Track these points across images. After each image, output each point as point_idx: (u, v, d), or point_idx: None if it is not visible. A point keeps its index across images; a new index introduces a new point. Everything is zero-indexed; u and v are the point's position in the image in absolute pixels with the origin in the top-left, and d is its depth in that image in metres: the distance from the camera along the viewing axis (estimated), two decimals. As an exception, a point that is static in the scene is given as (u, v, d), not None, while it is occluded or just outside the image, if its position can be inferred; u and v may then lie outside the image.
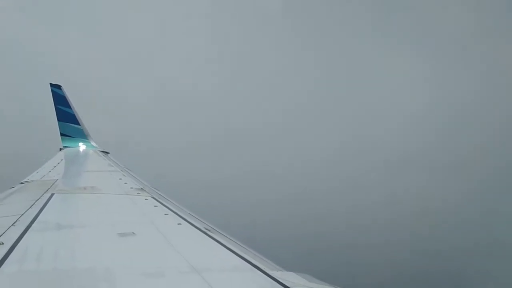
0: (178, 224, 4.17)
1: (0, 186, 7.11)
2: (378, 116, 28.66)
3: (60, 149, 12.69)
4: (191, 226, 4.08)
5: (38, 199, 5.14)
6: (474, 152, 25.54)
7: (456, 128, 26.50)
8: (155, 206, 5.04)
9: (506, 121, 25.73)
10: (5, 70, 25.28)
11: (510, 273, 19.78)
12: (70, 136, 13.17)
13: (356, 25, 29.70)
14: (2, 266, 2.78)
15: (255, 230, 20.82)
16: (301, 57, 29.98)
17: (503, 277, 19.31)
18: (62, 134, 13.15)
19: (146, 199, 5.44)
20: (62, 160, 10.49)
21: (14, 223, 3.92)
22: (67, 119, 13.21)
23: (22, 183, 7.17)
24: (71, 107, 13.27)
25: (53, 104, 13.14)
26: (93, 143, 13.33)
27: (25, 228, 3.71)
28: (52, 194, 5.47)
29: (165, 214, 4.62)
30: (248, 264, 2.97)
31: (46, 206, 4.76)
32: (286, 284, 2.64)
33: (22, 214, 4.30)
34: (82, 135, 13.33)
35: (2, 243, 3.24)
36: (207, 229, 3.99)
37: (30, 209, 4.59)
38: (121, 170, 8.60)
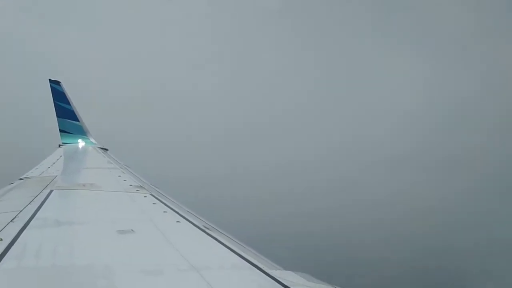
0: (177, 221, 4.17)
1: (-1, 182, 7.10)
2: (378, 115, 28.70)
3: (59, 145, 12.66)
4: (190, 224, 4.08)
5: (37, 196, 5.13)
6: (475, 151, 25.60)
7: (457, 126, 26.51)
8: (154, 203, 5.04)
9: (506, 120, 25.75)
10: (4, 66, 25.26)
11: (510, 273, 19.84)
12: (69, 133, 13.14)
13: (358, 25, 29.73)
14: (1, 262, 2.78)
15: (254, 228, 20.86)
16: (303, 57, 29.99)
17: (504, 277, 19.36)
18: (61, 131, 13.12)
19: (145, 196, 5.44)
20: (61, 156, 10.47)
21: (13, 219, 3.92)
22: (66, 116, 13.17)
23: (21, 179, 7.16)
24: (70, 103, 13.24)
25: (52, 100, 13.11)
26: (92, 140, 13.31)
27: (24, 225, 3.71)
28: (51, 191, 5.47)
29: (164, 211, 4.62)
30: (247, 263, 2.98)
31: (45, 203, 4.75)
32: (285, 283, 2.64)
33: (21, 211, 4.30)
34: (81, 132, 13.30)
35: (1, 239, 3.24)
36: (206, 227, 3.99)
37: (29, 205, 4.58)
38: (120, 167, 8.59)
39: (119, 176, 7.27)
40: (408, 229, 23.13)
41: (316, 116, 28.80)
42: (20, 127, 23.95)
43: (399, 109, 29.06)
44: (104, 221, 4.12)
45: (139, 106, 27.82)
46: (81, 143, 13.01)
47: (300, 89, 29.36)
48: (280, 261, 3.24)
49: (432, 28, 28.13)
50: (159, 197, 5.37)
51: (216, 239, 3.57)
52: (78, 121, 13.31)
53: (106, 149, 12.30)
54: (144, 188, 6.04)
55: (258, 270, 2.83)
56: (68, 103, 13.19)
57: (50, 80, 13.12)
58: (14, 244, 3.16)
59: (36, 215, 4.11)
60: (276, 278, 2.71)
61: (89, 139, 13.26)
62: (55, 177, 6.81)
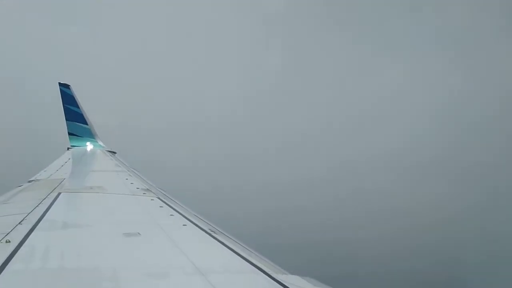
0: (184, 225, 4.17)
1: (8, 185, 7.18)
2: (386, 121, 28.52)
3: (68, 148, 12.78)
4: (196, 227, 4.08)
5: (45, 198, 5.17)
6: (483, 155, 25.36)
7: (470, 132, 26.24)
8: (160, 206, 5.05)
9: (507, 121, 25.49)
10: (15, 70, 25.59)
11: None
12: (78, 136, 13.26)
13: (364, 27, 29.64)
14: (9, 264, 2.80)
15: (263, 233, 20.84)
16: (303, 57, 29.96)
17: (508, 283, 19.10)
18: (70, 134, 13.24)
19: (152, 199, 5.45)
20: (69, 159, 10.56)
21: (21, 221, 3.95)
22: (75, 119, 13.30)
23: (29, 181, 7.23)
24: (79, 106, 13.37)
25: (62, 103, 13.25)
26: (101, 143, 13.40)
27: (32, 227, 3.74)
28: (59, 193, 5.51)
29: (171, 215, 4.62)
30: (253, 267, 2.97)
31: (53, 205, 4.79)
32: (291, 287, 2.62)
33: (29, 213, 4.33)
34: (90, 135, 13.41)
35: (9, 241, 3.27)
36: (212, 231, 3.99)
37: (37, 207, 4.62)
38: (128, 170, 8.63)
39: (126, 179, 7.31)
40: (418, 236, 22.94)
41: (325, 125, 28.69)
42: (29, 130, 24.23)
43: (406, 112, 28.88)
44: (111, 224, 4.14)
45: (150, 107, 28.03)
46: (89, 146, 13.11)
47: (312, 91, 29.33)
48: (286, 265, 3.22)
49: (449, 32, 27.90)
50: (166, 200, 5.38)
51: (222, 242, 3.57)
52: (87, 124, 13.43)
53: (114, 152, 12.38)
54: (151, 191, 6.06)
55: (263, 274, 2.82)
56: (77, 106, 13.32)
57: (59, 83, 13.27)
58: (22, 246, 3.18)
59: (44, 218, 4.14)
60: (282, 282, 2.69)
61: (97, 142, 13.37)
62: (63, 180, 6.86)
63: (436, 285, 20.94)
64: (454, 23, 27.91)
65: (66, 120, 13.26)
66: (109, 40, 29.54)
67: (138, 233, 3.63)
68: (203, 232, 3.90)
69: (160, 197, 5.56)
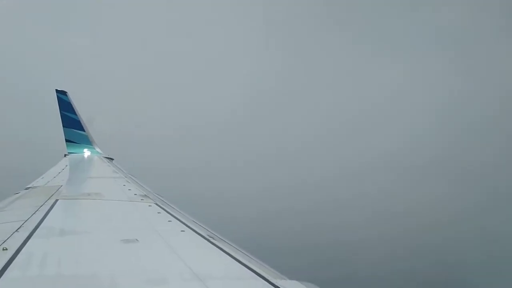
0: (182, 231, 4.15)
1: (5, 192, 7.15)
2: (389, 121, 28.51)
3: (65, 155, 12.74)
4: (195, 233, 4.07)
5: (42, 205, 5.15)
6: (487, 157, 25.42)
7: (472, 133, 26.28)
8: (158, 212, 5.04)
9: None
10: (11, 74, 25.56)
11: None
12: (75, 142, 13.23)
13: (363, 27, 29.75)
14: (6, 272, 2.78)
15: (264, 237, 20.81)
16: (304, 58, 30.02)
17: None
18: (67, 140, 13.21)
19: (149, 205, 5.43)
20: (66, 166, 10.53)
21: (18, 229, 3.93)
22: (72, 125, 13.28)
23: (26, 188, 7.19)
24: (76, 113, 13.35)
25: (59, 110, 13.23)
26: (98, 149, 13.37)
27: (29, 234, 3.72)
28: (56, 200, 5.49)
29: (169, 221, 4.61)
30: (252, 273, 2.96)
31: (50, 212, 4.77)
32: None
33: (26, 220, 4.31)
34: (87, 141, 13.38)
35: (6, 249, 3.24)
36: (210, 236, 3.98)
37: (34, 215, 4.59)
38: (125, 177, 8.61)
39: (124, 185, 7.29)
40: (420, 237, 22.92)
41: (324, 126, 28.70)
42: (26, 137, 24.16)
43: (405, 112, 28.94)
44: (108, 230, 4.13)
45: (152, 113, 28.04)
46: (86, 152, 13.08)
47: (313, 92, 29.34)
48: (286, 268, 3.21)
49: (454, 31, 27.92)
50: (163, 206, 5.36)
51: (220, 248, 3.56)
52: (84, 131, 13.41)
53: (112, 159, 12.35)
54: (148, 197, 6.04)
55: (263, 280, 2.81)
56: (74, 113, 13.31)
57: (56, 90, 13.26)
58: (19, 254, 3.16)
59: (41, 225, 4.11)
60: None
61: (94, 149, 13.34)
62: (60, 187, 6.84)
63: (436, 285, 20.91)
64: (454, 22, 28.11)
65: (63, 127, 13.24)
66: (106, 44, 29.59)
67: (136, 240, 3.61)
68: (201, 238, 3.88)
69: (158, 203, 5.55)
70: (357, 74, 29.57)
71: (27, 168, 19.05)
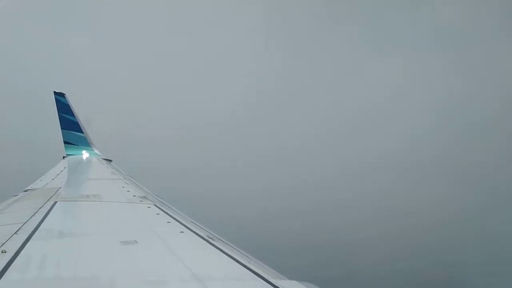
0: (181, 232, 4.15)
1: (4, 194, 7.13)
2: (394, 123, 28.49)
3: (64, 157, 12.73)
4: (194, 234, 4.07)
5: (41, 207, 5.14)
6: (487, 156, 25.45)
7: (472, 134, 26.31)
8: (157, 214, 5.04)
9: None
10: (11, 74, 25.51)
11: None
12: (74, 144, 13.22)
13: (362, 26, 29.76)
14: (5, 274, 2.78)
15: (263, 236, 20.82)
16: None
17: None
18: (65, 142, 13.20)
19: (148, 207, 5.43)
20: (65, 168, 10.52)
21: (17, 231, 3.92)
22: (71, 127, 13.27)
23: (25, 191, 7.19)
24: (75, 115, 13.34)
25: (57, 112, 13.22)
26: (96, 151, 13.37)
27: (28, 236, 3.71)
28: (55, 202, 5.48)
29: (168, 222, 4.61)
30: (251, 273, 2.96)
31: (49, 214, 4.76)
32: None
33: (25, 222, 4.30)
34: (86, 143, 13.37)
35: (5, 251, 3.24)
36: (209, 237, 3.98)
37: (33, 217, 4.59)
38: (124, 178, 8.61)
39: (122, 187, 7.28)
40: (420, 237, 22.94)
41: (323, 125, 28.69)
42: (25, 139, 24.11)
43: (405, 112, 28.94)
44: (107, 232, 4.12)
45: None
46: (85, 154, 13.07)
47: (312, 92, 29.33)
48: (286, 268, 3.22)
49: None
50: (162, 208, 5.36)
51: (219, 249, 3.56)
52: (82, 132, 13.40)
53: (110, 160, 12.35)
54: (147, 198, 6.04)
55: (262, 280, 2.81)
56: (72, 115, 13.30)
57: (54, 92, 13.25)
58: (18, 256, 3.16)
59: (40, 227, 4.11)
60: None
61: (93, 151, 13.33)
62: (59, 189, 6.83)
63: (436, 285, 20.94)
64: (454, 22, 28.12)
65: (61, 128, 13.23)
66: (106, 44, 29.53)
67: (135, 241, 3.61)
68: (201, 239, 3.88)
69: (157, 205, 5.54)
70: (357, 73, 29.60)
71: (26, 169, 19.02)
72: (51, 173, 9.38)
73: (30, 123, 24.80)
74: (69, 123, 13.24)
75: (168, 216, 4.87)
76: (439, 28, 28.71)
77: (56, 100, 13.18)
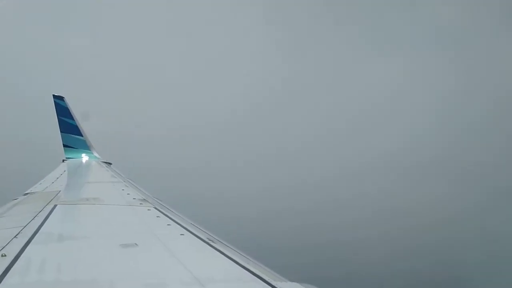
0: (181, 234, 4.15)
1: (3, 198, 7.12)
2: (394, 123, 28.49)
3: (63, 160, 12.72)
4: (194, 236, 4.06)
5: (40, 211, 5.14)
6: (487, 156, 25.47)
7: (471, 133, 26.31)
8: (157, 216, 5.03)
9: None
10: (11, 74, 25.49)
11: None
12: (73, 147, 13.20)
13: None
14: (5, 278, 2.77)
15: (263, 238, 20.81)
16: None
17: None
18: (65, 146, 13.18)
19: (148, 209, 5.43)
20: (64, 171, 10.52)
21: (17, 235, 3.92)
22: (70, 131, 13.26)
23: (25, 194, 7.18)
24: (74, 118, 13.34)
25: (56, 116, 13.22)
26: (96, 154, 13.36)
27: (28, 240, 3.71)
28: (55, 206, 5.48)
29: (168, 224, 4.60)
30: (252, 275, 2.95)
31: (49, 218, 4.76)
32: None
33: (25, 226, 4.30)
34: (85, 146, 13.36)
35: (5, 255, 3.23)
36: (210, 240, 3.97)
37: (32, 220, 4.58)
38: (124, 181, 8.60)
39: (122, 189, 7.28)
40: (421, 237, 22.93)
41: (322, 126, 28.69)
42: (24, 142, 24.09)
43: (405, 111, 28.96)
44: (107, 235, 4.12)
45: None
46: (84, 157, 13.06)
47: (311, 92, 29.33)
48: (284, 271, 3.21)
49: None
50: (162, 210, 5.36)
51: (220, 251, 3.55)
52: (82, 136, 13.39)
53: (110, 163, 12.34)
54: (147, 201, 6.04)
55: (263, 282, 2.81)
56: (71, 118, 13.29)
57: (53, 95, 13.24)
58: (18, 260, 3.15)
59: (40, 230, 4.10)
60: None
61: (92, 154, 13.32)
62: (59, 192, 6.82)
63: (436, 285, 20.93)
64: (454, 22, 28.15)
65: (60, 132, 13.22)
66: (106, 44, 29.53)
67: (135, 244, 3.60)
68: (201, 241, 3.88)
69: (157, 207, 5.54)
70: (357, 73, 29.60)
71: (25, 173, 18.99)
72: (50, 177, 9.37)
73: (29, 126, 24.77)
74: (68, 126, 13.23)
75: (168, 218, 4.87)
76: (439, 28, 28.74)
77: (55, 103, 13.17)
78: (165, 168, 23.88)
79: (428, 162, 25.85)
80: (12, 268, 2.95)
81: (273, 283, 2.79)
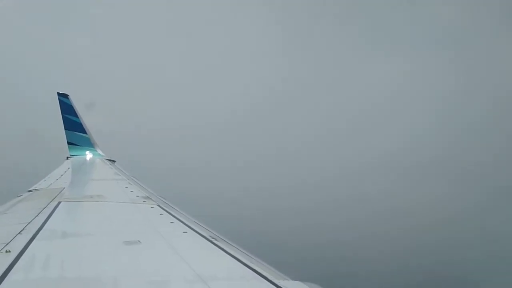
0: (184, 232, 4.16)
1: (8, 194, 7.17)
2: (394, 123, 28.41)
3: (67, 157, 12.77)
4: (197, 234, 4.07)
5: (45, 207, 5.16)
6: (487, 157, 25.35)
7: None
8: (160, 214, 5.04)
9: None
10: (11, 74, 25.62)
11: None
12: (77, 145, 13.26)
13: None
14: (9, 274, 2.79)
15: (265, 237, 20.83)
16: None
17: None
18: (69, 143, 13.25)
19: (152, 207, 5.44)
20: (69, 168, 10.56)
21: (21, 231, 3.94)
22: (74, 128, 13.31)
23: (29, 191, 7.22)
24: (78, 116, 13.38)
25: (60, 113, 13.27)
26: (100, 152, 13.40)
27: (32, 236, 3.73)
28: (59, 202, 5.50)
29: (171, 222, 4.61)
30: (254, 273, 2.95)
31: (53, 214, 4.78)
32: None
33: (29, 222, 4.32)
34: (89, 144, 13.41)
35: (9, 251, 3.25)
36: (212, 238, 3.97)
37: (37, 217, 4.61)
38: (128, 179, 8.63)
39: (126, 187, 7.30)
40: (421, 237, 22.86)
41: (321, 125, 28.65)
42: (29, 139, 24.22)
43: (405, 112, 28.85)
44: (111, 232, 4.13)
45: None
46: (88, 155, 13.11)
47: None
48: (288, 271, 3.21)
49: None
50: (166, 208, 5.37)
51: (223, 249, 3.55)
52: (86, 133, 13.44)
53: (114, 161, 12.38)
54: (151, 199, 6.05)
55: (265, 281, 2.81)
56: (76, 115, 13.34)
57: (58, 93, 13.30)
58: (22, 256, 3.17)
59: (44, 227, 4.13)
60: None
61: (96, 151, 13.37)
62: (63, 189, 6.85)
63: (436, 285, 20.88)
64: (454, 22, 28.04)
65: (65, 129, 13.27)
66: (106, 44, 29.63)
67: (139, 241, 3.61)
68: (204, 239, 3.88)
69: (160, 205, 5.55)
70: (357, 73, 29.56)
71: (30, 170, 19.09)
72: (55, 174, 9.42)
73: (34, 124, 24.90)
74: (72, 123, 13.29)
75: (171, 216, 4.88)
76: (439, 28, 28.66)
77: (60, 101, 13.23)
78: (168, 167, 23.96)
79: (428, 162, 25.78)
80: (16, 264, 2.97)
81: (276, 281, 2.79)
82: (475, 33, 28.27)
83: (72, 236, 3.92)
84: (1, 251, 3.28)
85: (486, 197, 23.57)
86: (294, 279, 2.95)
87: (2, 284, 2.61)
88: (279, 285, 2.73)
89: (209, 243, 3.76)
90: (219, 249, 3.56)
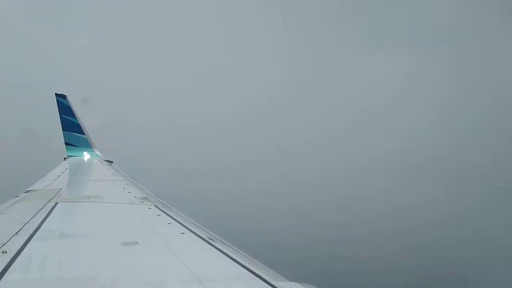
0: (181, 233, 4.15)
1: (5, 195, 7.14)
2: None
3: (65, 158, 12.75)
4: (195, 235, 4.07)
5: (42, 208, 5.15)
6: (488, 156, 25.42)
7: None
8: (158, 215, 5.04)
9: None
10: (11, 74, 25.57)
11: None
12: (75, 146, 13.24)
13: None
14: (5, 275, 2.78)
15: (263, 237, 20.83)
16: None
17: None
18: (66, 144, 13.22)
19: (149, 208, 5.44)
20: (66, 169, 10.54)
21: (18, 232, 3.93)
22: (72, 129, 13.30)
23: (26, 192, 7.20)
24: (76, 116, 13.37)
25: (58, 114, 13.25)
26: (98, 152, 13.39)
27: (29, 237, 3.72)
28: (56, 203, 5.49)
29: (168, 223, 4.61)
30: (252, 274, 2.95)
31: (50, 215, 4.77)
32: None
33: (26, 223, 4.31)
34: (87, 145, 13.39)
35: (6, 252, 3.24)
36: (210, 239, 3.97)
37: (34, 218, 4.59)
38: (125, 179, 8.62)
39: (123, 188, 7.29)
40: (421, 237, 22.90)
41: (321, 125, 28.68)
42: (26, 140, 24.17)
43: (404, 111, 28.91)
44: (108, 233, 4.13)
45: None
46: (86, 155, 13.09)
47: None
48: (285, 272, 3.21)
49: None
50: (163, 209, 5.37)
51: (220, 250, 3.55)
52: (84, 134, 13.42)
53: (111, 162, 12.37)
54: (148, 199, 6.05)
55: (263, 282, 2.81)
56: (73, 116, 13.33)
57: (56, 94, 13.28)
58: (19, 257, 3.16)
59: (41, 228, 4.12)
60: None
61: (94, 152, 13.35)
62: (60, 190, 6.84)
63: (436, 284, 20.91)
64: (454, 22, 28.10)
65: (62, 130, 13.25)
66: (106, 44, 29.58)
67: (136, 242, 3.61)
68: (201, 240, 3.88)
69: (158, 206, 5.55)
70: (357, 73, 29.60)
71: (27, 170, 19.04)
72: (52, 174, 9.39)
73: (31, 124, 24.84)
74: (70, 124, 13.27)
75: (168, 217, 4.88)
76: (439, 28, 28.71)
77: (58, 101, 13.21)
78: (166, 167, 23.93)
79: (428, 162, 25.82)
80: (12, 265, 2.96)
81: (273, 282, 2.79)
82: (475, 33, 28.35)
83: (69, 237, 3.91)
84: None
85: (486, 197, 23.63)
86: (293, 280, 2.95)
87: None
88: (276, 286, 2.73)
89: (206, 244, 3.76)
90: (216, 250, 3.56)
